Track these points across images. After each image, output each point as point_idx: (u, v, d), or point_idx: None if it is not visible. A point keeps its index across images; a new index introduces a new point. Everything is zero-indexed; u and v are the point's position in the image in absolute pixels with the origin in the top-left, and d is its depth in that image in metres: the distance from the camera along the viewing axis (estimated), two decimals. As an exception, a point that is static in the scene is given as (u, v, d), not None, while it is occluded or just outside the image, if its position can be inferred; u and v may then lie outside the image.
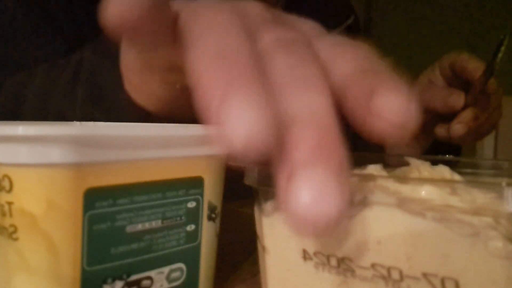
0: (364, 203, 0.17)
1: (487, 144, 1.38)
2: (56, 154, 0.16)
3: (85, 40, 0.46)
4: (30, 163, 0.16)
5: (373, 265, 0.17)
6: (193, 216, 0.21)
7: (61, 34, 0.46)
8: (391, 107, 0.13)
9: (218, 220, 0.22)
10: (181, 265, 0.21)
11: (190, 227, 0.21)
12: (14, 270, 0.17)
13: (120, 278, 0.18)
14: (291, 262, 0.19)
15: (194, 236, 0.21)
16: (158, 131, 0.18)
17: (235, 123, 0.11)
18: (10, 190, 0.16)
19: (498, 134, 1.35)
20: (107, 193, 0.17)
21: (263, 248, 0.21)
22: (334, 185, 0.12)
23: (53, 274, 0.17)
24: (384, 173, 0.20)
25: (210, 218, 0.21)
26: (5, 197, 0.16)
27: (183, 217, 0.20)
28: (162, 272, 0.20)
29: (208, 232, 0.22)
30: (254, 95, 0.12)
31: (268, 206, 0.20)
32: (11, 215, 0.16)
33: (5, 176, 0.16)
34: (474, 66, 0.48)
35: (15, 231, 0.17)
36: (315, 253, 0.18)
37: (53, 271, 0.17)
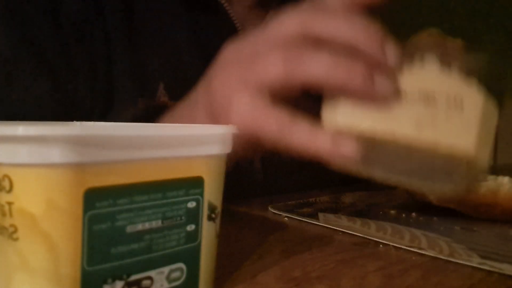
0: (421, 63, 0.29)
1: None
2: (56, 154, 0.16)
3: (75, 77, 0.46)
4: (30, 163, 0.16)
5: (419, 91, 0.29)
6: (193, 216, 0.21)
7: (51, 69, 0.45)
8: None
9: (218, 220, 0.22)
10: (181, 265, 0.21)
11: (190, 227, 0.21)
12: (14, 270, 0.17)
13: (120, 278, 0.18)
14: None
15: (194, 236, 0.21)
16: (158, 131, 0.18)
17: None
18: (10, 190, 0.16)
19: (498, 134, 1.35)
20: (107, 193, 0.17)
21: None
22: None
23: (53, 274, 0.17)
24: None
25: (210, 218, 0.21)
26: (5, 197, 0.16)
27: (183, 217, 0.20)
28: (162, 272, 0.20)
29: (208, 232, 0.22)
30: None
31: None
32: (11, 215, 0.16)
33: (5, 176, 0.16)
34: None
35: (15, 231, 0.17)
36: None
37: (53, 271, 0.17)
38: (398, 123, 0.28)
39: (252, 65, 0.31)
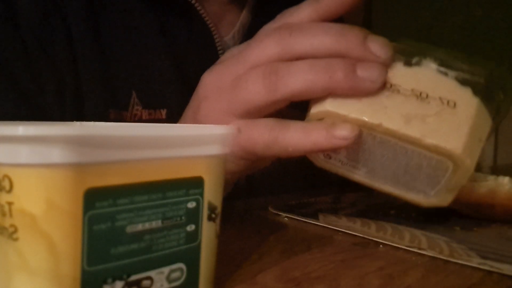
0: (418, 64, 0.30)
1: (487, 144, 1.37)
2: (56, 154, 0.16)
3: (41, 90, 0.42)
4: (30, 163, 0.16)
5: (412, 89, 0.29)
6: (193, 216, 0.21)
7: (16, 83, 0.42)
8: None
9: (218, 220, 0.22)
10: (181, 265, 0.21)
11: (190, 227, 0.21)
12: (14, 270, 0.17)
13: (120, 278, 0.18)
14: None
15: (194, 236, 0.21)
16: (158, 131, 0.18)
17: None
18: (10, 190, 0.16)
19: (498, 134, 1.35)
20: (107, 193, 0.17)
21: None
22: None
23: (53, 274, 0.17)
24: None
25: (210, 218, 0.21)
26: (5, 197, 0.16)
27: (183, 217, 0.20)
28: (162, 272, 0.20)
29: (208, 232, 0.22)
30: None
31: None
32: (11, 215, 0.16)
33: (5, 176, 0.16)
34: None
35: (15, 231, 0.17)
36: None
37: (53, 271, 0.17)
38: (387, 116, 0.29)
39: (234, 92, 0.31)
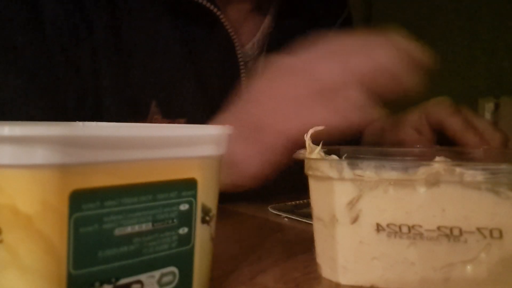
0: (434, 183, 0.23)
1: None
2: (40, 155, 0.15)
3: (63, 95, 0.43)
4: (15, 164, 0.15)
5: (438, 227, 0.23)
6: (186, 218, 0.20)
7: (40, 87, 0.42)
8: None
9: (213, 223, 0.22)
10: (173, 268, 0.20)
11: (183, 230, 0.20)
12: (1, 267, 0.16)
13: (109, 282, 0.18)
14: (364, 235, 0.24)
15: (187, 239, 0.20)
16: (148, 131, 0.18)
17: None
18: (-6, 191, 0.16)
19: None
20: (94, 195, 0.17)
21: (335, 221, 0.25)
22: None
23: (38, 278, 0.16)
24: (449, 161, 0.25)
25: (204, 221, 0.21)
26: (-11, 198, 0.16)
27: (175, 220, 0.20)
28: (153, 276, 0.19)
29: (201, 235, 0.21)
30: None
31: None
32: (-5, 215, 0.16)
33: (-12, 176, 0.16)
34: (454, 127, 0.44)
35: (0, 232, 0.16)
36: (388, 225, 0.24)
37: (38, 275, 0.16)
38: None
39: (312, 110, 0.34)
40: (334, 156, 0.27)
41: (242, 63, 0.51)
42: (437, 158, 0.24)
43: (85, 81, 0.44)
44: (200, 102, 0.48)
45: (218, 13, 0.49)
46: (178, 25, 0.48)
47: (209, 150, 0.20)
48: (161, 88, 0.47)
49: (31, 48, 0.41)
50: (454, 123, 0.43)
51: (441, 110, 0.45)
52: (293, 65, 0.35)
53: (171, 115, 0.47)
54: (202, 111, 0.47)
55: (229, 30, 0.50)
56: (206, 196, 0.21)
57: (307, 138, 0.26)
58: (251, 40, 0.54)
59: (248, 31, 0.54)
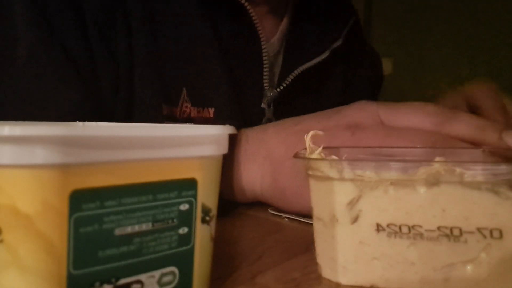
0: (434, 183, 0.23)
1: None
2: (40, 155, 0.15)
3: (99, 81, 0.43)
4: (15, 164, 0.15)
5: (438, 228, 0.23)
6: (186, 218, 0.20)
7: (79, 72, 0.42)
8: None
9: (213, 223, 0.22)
10: (173, 268, 0.20)
11: (183, 230, 0.20)
12: (2, 267, 0.16)
13: (109, 282, 0.18)
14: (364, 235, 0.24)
15: (187, 239, 0.20)
16: (148, 131, 0.18)
17: None
18: (-6, 191, 0.16)
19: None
20: (94, 195, 0.17)
21: (335, 221, 0.25)
22: None
23: (38, 278, 0.16)
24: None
25: (204, 221, 0.21)
26: (-11, 198, 0.16)
27: (175, 220, 0.20)
28: (153, 276, 0.19)
29: (202, 235, 0.21)
30: None
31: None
32: (-5, 215, 0.16)
33: (-11, 176, 0.16)
34: (492, 107, 0.44)
35: (0, 232, 0.16)
36: (388, 225, 0.24)
37: (38, 275, 0.16)
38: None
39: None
40: (334, 156, 0.27)
41: (266, 57, 0.53)
42: (437, 158, 0.24)
43: (119, 65, 0.45)
44: (228, 92, 0.49)
45: (246, 4, 0.50)
46: (208, 18, 0.49)
47: (209, 150, 0.20)
48: (191, 77, 0.48)
49: (70, 37, 0.42)
50: (490, 107, 0.44)
51: (482, 93, 0.46)
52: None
53: (200, 104, 0.48)
54: (230, 101, 0.48)
55: (257, 25, 0.51)
56: (206, 196, 0.21)
57: (308, 139, 0.26)
58: (271, 38, 0.56)
59: (268, 30, 0.56)
